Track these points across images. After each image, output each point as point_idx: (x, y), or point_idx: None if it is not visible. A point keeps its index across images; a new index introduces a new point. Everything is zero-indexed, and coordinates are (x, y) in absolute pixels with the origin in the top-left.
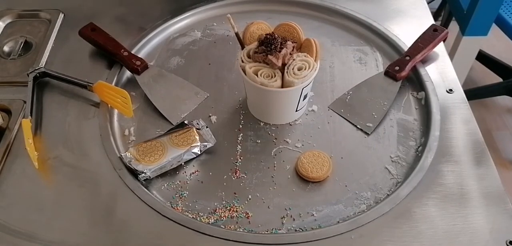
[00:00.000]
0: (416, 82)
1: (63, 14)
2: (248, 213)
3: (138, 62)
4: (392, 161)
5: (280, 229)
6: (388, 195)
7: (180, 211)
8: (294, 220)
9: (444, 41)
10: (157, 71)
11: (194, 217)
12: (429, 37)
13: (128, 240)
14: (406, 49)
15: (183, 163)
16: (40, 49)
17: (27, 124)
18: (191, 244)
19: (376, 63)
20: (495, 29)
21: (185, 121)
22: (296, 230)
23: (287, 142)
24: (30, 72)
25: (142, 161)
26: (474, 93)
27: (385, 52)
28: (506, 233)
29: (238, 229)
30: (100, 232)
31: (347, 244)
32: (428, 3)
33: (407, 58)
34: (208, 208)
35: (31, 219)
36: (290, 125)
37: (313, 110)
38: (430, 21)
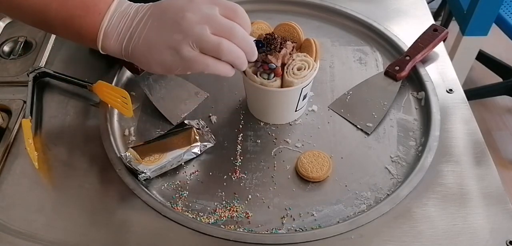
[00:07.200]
0: (416, 82)
1: None
2: (248, 213)
3: None
4: (392, 161)
5: (280, 229)
6: (388, 195)
7: (180, 211)
8: (294, 220)
9: (444, 41)
10: None
11: (194, 217)
12: (429, 37)
13: (128, 240)
14: (406, 49)
15: (183, 163)
16: (40, 49)
17: (27, 124)
18: (191, 244)
19: (376, 63)
20: (495, 29)
21: (185, 121)
22: (296, 230)
23: (287, 142)
24: (30, 72)
25: (142, 161)
26: (474, 93)
27: (385, 52)
28: (506, 233)
29: (238, 229)
30: (100, 232)
31: (347, 244)
32: (428, 3)
33: (407, 58)
34: (208, 208)
35: (31, 219)
36: (290, 124)
37: (313, 110)
38: (430, 21)
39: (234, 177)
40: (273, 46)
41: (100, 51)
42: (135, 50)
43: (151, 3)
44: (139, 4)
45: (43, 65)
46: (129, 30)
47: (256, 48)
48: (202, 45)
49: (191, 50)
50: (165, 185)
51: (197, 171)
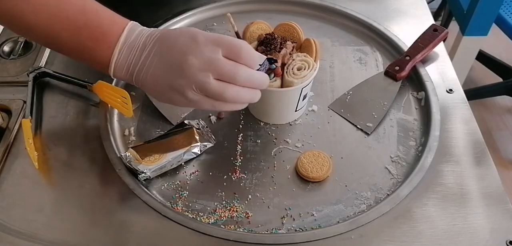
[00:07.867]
0: (416, 82)
1: None
2: (248, 213)
3: None
4: (392, 161)
5: (280, 229)
6: (388, 195)
7: (180, 211)
8: (294, 220)
9: (444, 41)
10: None
11: (194, 217)
12: (429, 37)
13: (128, 240)
14: (406, 49)
15: (183, 163)
16: (40, 49)
17: (27, 124)
18: (191, 244)
19: (376, 63)
20: (495, 29)
21: (185, 121)
22: (296, 230)
23: (287, 142)
24: (30, 72)
25: (142, 161)
26: (474, 93)
27: (385, 52)
28: (506, 233)
29: (238, 229)
30: (100, 232)
31: (347, 244)
32: (428, 3)
33: (407, 58)
34: (208, 208)
35: (31, 219)
36: (290, 124)
37: (313, 110)
38: (430, 21)
39: (234, 177)
40: (273, 46)
41: (112, 77)
42: (144, 84)
43: (158, 34)
44: (149, 32)
45: (43, 65)
46: (137, 64)
47: (266, 78)
48: (205, 92)
49: (195, 94)
50: (165, 185)
51: (197, 171)
